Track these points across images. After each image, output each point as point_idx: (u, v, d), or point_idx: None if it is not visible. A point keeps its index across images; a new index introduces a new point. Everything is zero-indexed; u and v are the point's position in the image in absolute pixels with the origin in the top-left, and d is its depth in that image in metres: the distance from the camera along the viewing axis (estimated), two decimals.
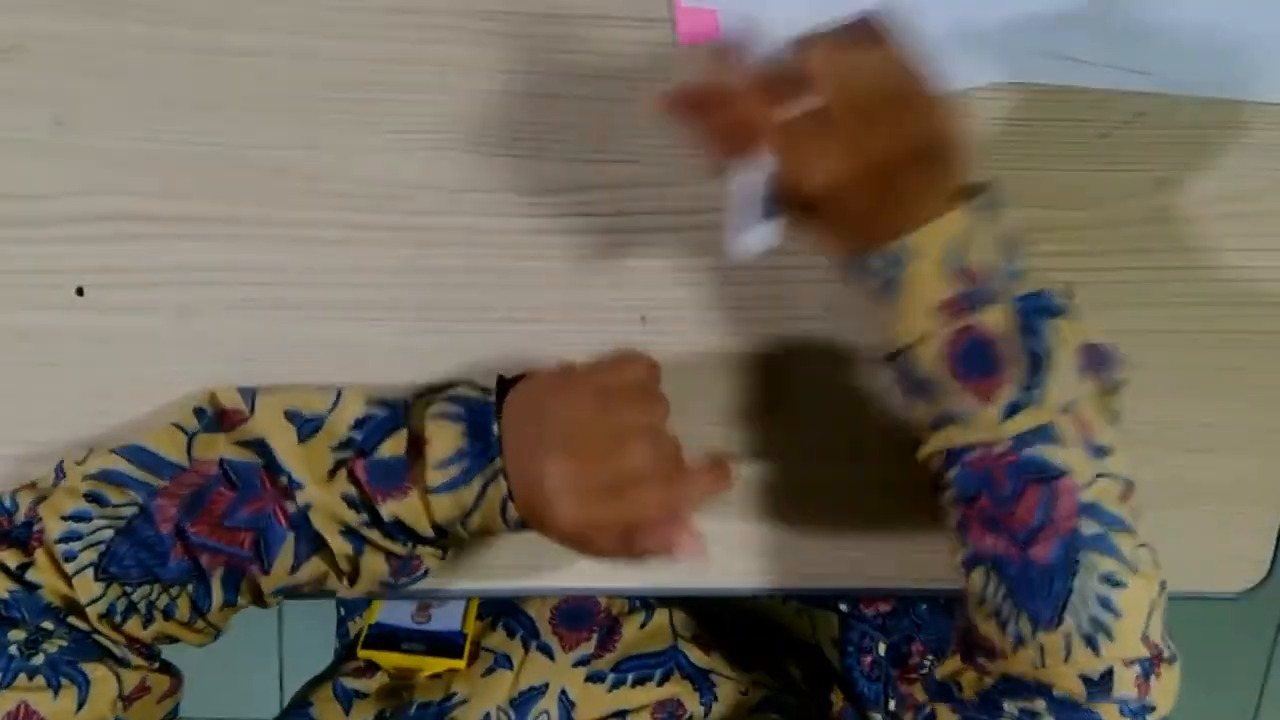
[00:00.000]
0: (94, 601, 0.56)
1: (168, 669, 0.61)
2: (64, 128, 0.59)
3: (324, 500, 0.57)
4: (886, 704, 0.76)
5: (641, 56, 0.60)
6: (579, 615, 0.70)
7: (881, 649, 0.76)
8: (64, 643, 0.56)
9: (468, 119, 0.60)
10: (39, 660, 0.55)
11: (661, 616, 0.72)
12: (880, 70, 0.50)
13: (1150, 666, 0.54)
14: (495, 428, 0.56)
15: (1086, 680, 0.53)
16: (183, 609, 0.58)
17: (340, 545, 0.58)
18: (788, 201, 0.52)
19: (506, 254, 0.63)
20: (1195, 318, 0.67)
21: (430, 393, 0.61)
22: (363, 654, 0.67)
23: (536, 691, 0.68)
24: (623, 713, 0.68)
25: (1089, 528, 0.53)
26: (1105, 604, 0.52)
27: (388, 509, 0.56)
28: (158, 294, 0.62)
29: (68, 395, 0.63)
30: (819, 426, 0.68)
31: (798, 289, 0.65)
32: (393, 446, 0.57)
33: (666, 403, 0.58)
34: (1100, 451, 0.54)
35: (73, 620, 0.57)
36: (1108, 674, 0.53)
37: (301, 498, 0.57)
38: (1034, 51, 0.61)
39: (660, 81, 0.60)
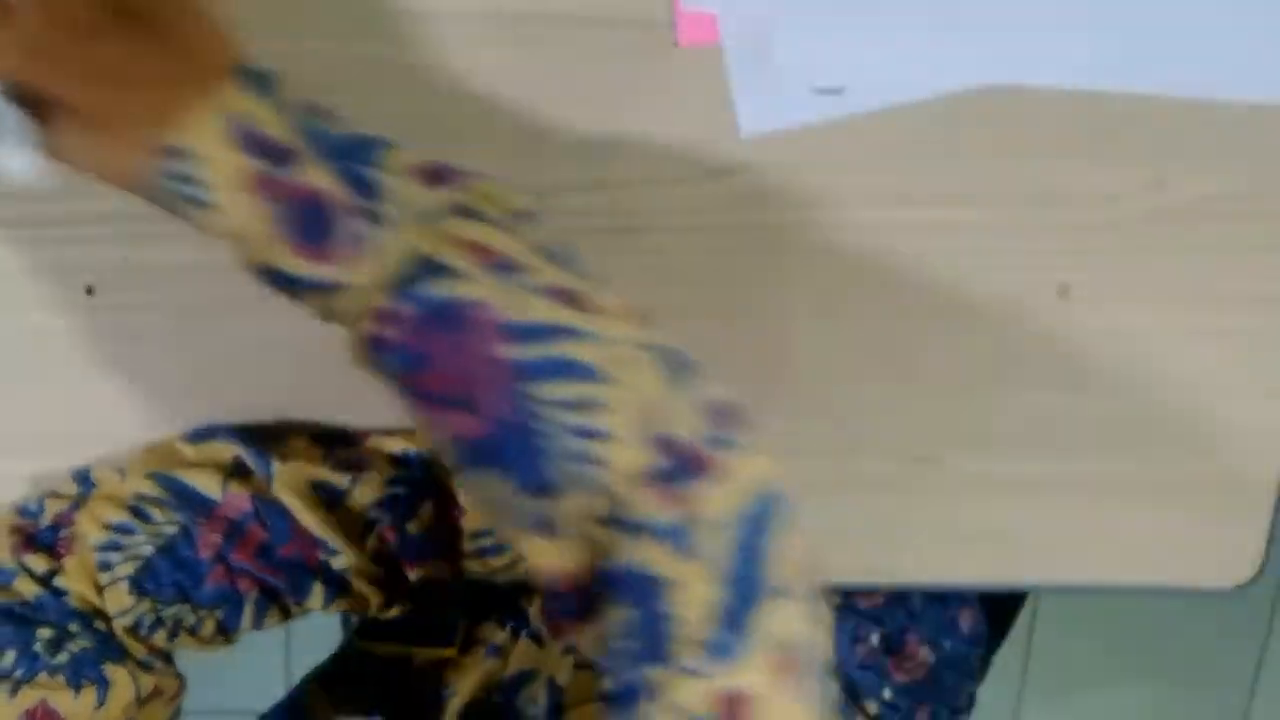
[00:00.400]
0: (123, 614, 0.57)
1: (175, 673, 0.62)
2: None
3: (357, 562, 0.59)
4: (881, 693, 0.76)
5: (641, 59, 0.60)
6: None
7: (875, 639, 0.76)
8: (88, 644, 0.57)
9: (467, 119, 0.60)
10: (63, 659, 0.56)
11: None
12: None
13: (681, 470, 0.43)
14: None
15: (611, 523, 0.44)
16: (208, 628, 0.60)
17: (374, 595, 0.60)
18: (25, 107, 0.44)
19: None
20: (1189, 317, 0.67)
21: None
22: (360, 644, 0.68)
23: (525, 678, 0.68)
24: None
25: (520, 353, 0.44)
26: (582, 432, 0.43)
27: (415, 574, 0.59)
28: (168, 292, 0.62)
29: (78, 393, 0.63)
30: (818, 426, 0.69)
31: (798, 290, 0.66)
32: (421, 522, 0.59)
33: None
34: (512, 269, 0.45)
35: (97, 625, 0.57)
36: (624, 507, 0.43)
37: (337, 563, 0.59)
38: (1030, 52, 0.61)
39: (660, 85, 0.60)
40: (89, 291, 0.62)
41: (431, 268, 0.44)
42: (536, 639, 0.69)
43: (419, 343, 0.44)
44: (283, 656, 1.41)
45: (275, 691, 0.65)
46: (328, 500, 0.60)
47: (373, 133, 0.48)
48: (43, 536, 0.59)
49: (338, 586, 0.61)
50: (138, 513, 0.58)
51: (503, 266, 0.45)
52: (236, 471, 0.61)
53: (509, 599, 0.71)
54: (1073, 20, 0.60)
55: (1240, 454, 0.71)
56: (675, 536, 0.42)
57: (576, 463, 0.43)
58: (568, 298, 0.45)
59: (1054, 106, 0.62)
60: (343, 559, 0.59)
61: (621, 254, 0.64)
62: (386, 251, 0.45)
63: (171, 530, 0.59)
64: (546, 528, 0.44)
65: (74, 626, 0.57)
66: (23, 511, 0.60)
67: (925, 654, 0.73)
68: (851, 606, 0.79)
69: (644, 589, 0.42)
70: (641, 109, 0.61)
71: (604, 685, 0.45)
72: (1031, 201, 0.64)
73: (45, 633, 0.56)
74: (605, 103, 0.61)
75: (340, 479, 0.60)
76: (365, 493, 0.60)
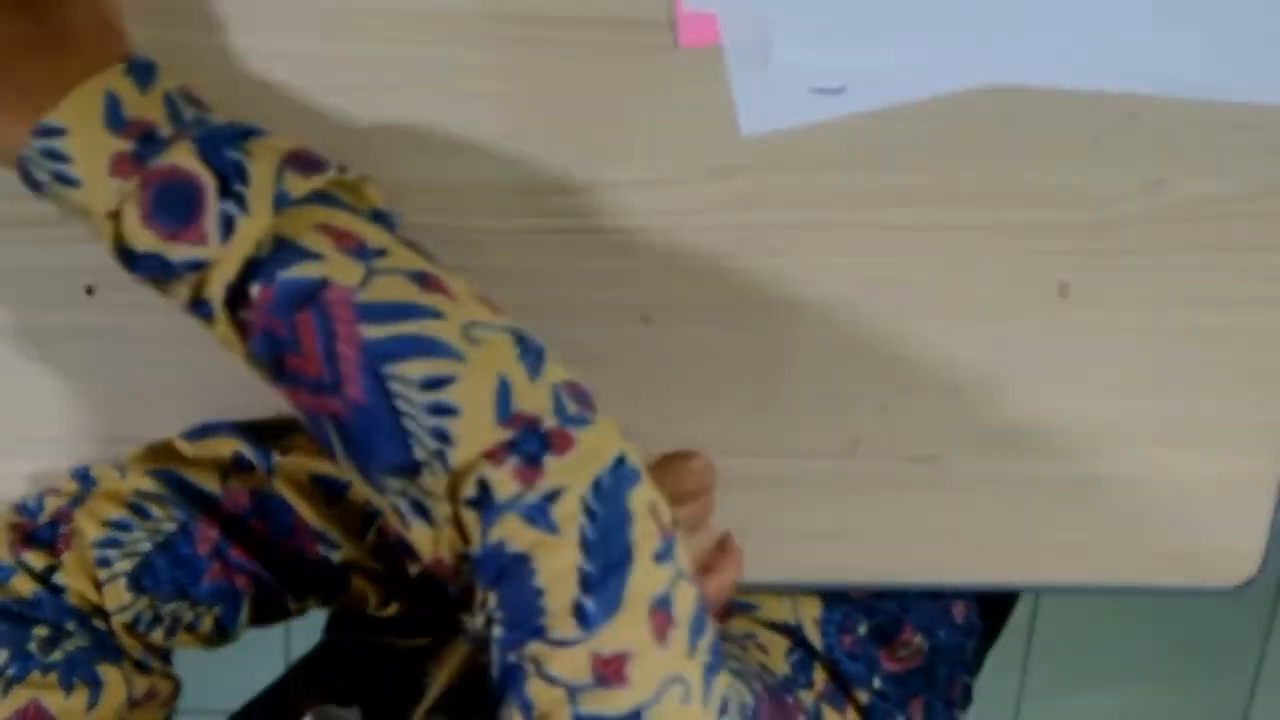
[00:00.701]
0: (121, 610, 0.57)
1: (170, 676, 0.62)
2: None
3: (357, 556, 0.59)
4: (871, 682, 0.76)
5: (641, 60, 0.60)
6: None
7: (863, 629, 0.76)
8: (83, 643, 0.57)
9: (467, 120, 0.60)
10: (57, 657, 0.56)
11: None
12: None
13: (534, 444, 0.44)
14: None
15: (470, 504, 0.44)
16: (206, 624, 0.60)
17: (374, 590, 0.60)
18: None
19: (506, 254, 0.63)
20: (1189, 316, 0.68)
21: None
22: (338, 633, 0.68)
23: None
24: None
25: (377, 332, 0.45)
26: (437, 409, 0.44)
27: (416, 568, 0.59)
28: None
29: (77, 393, 0.63)
30: (817, 425, 0.69)
31: (799, 290, 0.66)
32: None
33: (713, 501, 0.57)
34: (369, 253, 0.47)
35: (95, 623, 0.57)
36: (480, 484, 0.44)
37: (336, 557, 0.59)
38: (1027, 53, 0.61)
39: (661, 85, 0.60)
40: (89, 291, 0.62)
41: (289, 249, 0.46)
42: None
43: (279, 325, 0.45)
44: (282, 656, 1.41)
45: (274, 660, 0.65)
46: (328, 493, 0.60)
47: (246, 121, 0.49)
48: (41, 533, 0.59)
49: (337, 582, 0.61)
50: (137, 509, 0.59)
51: (359, 250, 0.46)
52: (236, 467, 0.61)
53: None
54: (1072, 20, 0.60)
55: (1240, 454, 0.71)
56: (532, 510, 0.43)
57: (434, 439, 0.44)
58: (422, 280, 0.47)
59: (1054, 106, 0.62)
60: (342, 552, 0.59)
61: (621, 254, 0.64)
62: (246, 234, 0.46)
63: (170, 527, 0.59)
64: (421, 512, 0.45)
65: (70, 625, 0.57)
66: (21, 509, 0.60)
67: (920, 641, 0.72)
68: (841, 596, 0.79)
69: (508, 566, 0.43)
70: (642, 109, 0.61)
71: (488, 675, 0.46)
72: (1031, 202, 0.64)
73: (40, 631, 0.56)
74: (605, 103, 0.61)
75: (345, 470, 0.60)
76: (365, 489, 0.60)
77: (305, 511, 0.59)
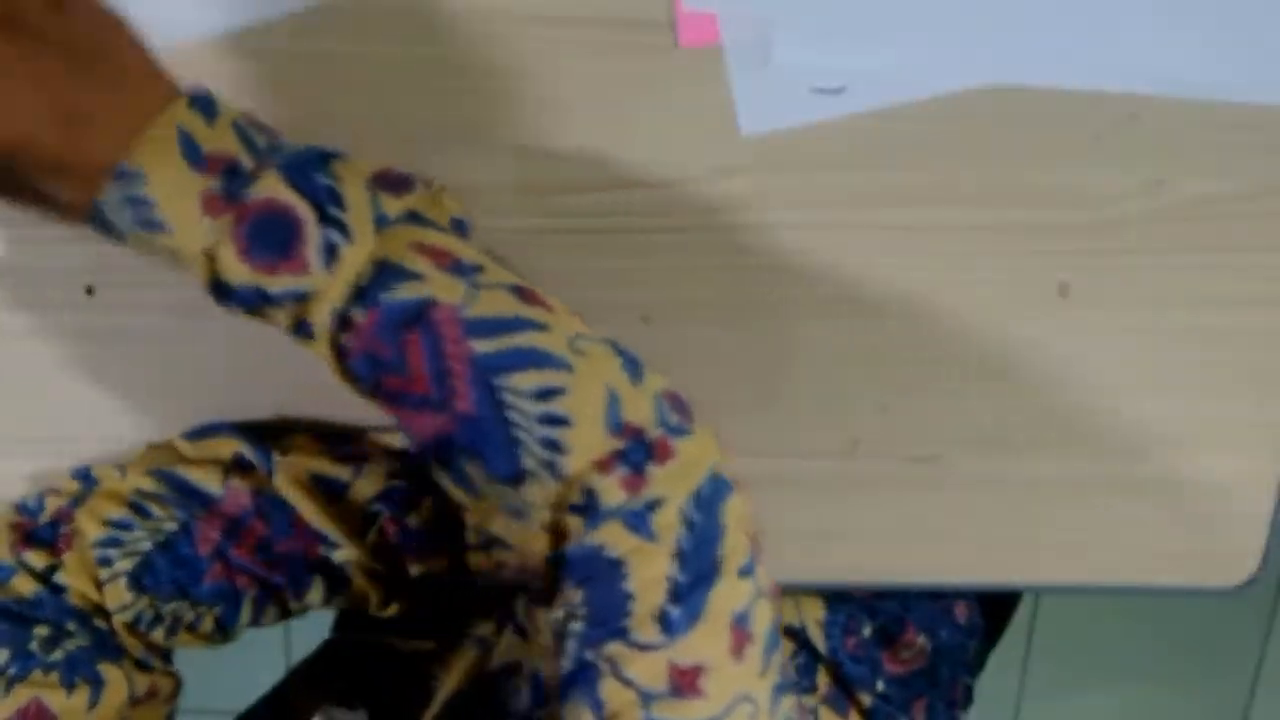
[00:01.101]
0: (122, 609, 0.57)
1: (171, 673, 0.62)
2: None
3: (358, 556, 0.59)
4: (875, 685, 0.76)
5: (642, 60, 0.60)
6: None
7: (867, 631, 0.76)
8: (84, 643, 0.57)
9: (467, 120, 0.60)
10: (58, 656, 0.56)
11: None
12: None
13: (639, 454, 0.45)
14: None
15: (575, 510, 0.45)
16: (206, 624, 0.60)
17: (375, 590, 0.60)
18: None
19: (506, 254, 0.63)
20: (1190, 317, 0.68)
21: None
22: (343, 635, 0.68)
23: (510, 670, 0.68)
24: None
25: (487, 346, 0.45)
26: (550, 419, 0.45)
27: (416, 569, 0.59)
28: (167, 293, 0.62)
29: (78, 394, 0.63)
30: (817, 425, 0.69)
31: (799, 290, 0.66)
32: (421, 515, 0.59)
33: None
34: (467, 269, 0.47)
35: (96, 622, 0.57)
36: (587, 492, 0.45)
37: (337, 557, 0.59)
38: (1027, 53, 0.61)
39: (660, 84, 0.60)
40: (88, 291, 0.62)
41: (391, 272, 0.45)
42: (521, 631, 0.68)
43: (383, 347, 0.45)
44: (282, 656, 1.41)
45: (275, 662, 0.66)
46: (328, 493, 0.60)
47: (321, 145, 0.48)
48: (42, 533, 0.59)
49: (337, 582, 0.61)
50: (137, 509, 0.59)
51: (458, 267, 0.46)
52: (237, 467, 0.61)
53: (497, 594, 0.71)
54: (1072, 20, 0.60)
55: (1240, 453, 0.71)
56: (634, 518, 0.44)
57: (544, 449, 0.44)
58: (521, 293, 0.47)
59: (1054, 107, 0.62)
60: (343, 552, 0.59)
61: (622, 254, 0.64)
62: (350, 259, 0.46)
63: (171, 527, 0.59)
64: (517, 514, 0.46)
65: (71, 625, 0.57)
66: (22, 509, 0.60)
67: (923, 642, 0.72)
68: (844, 597, 0.79)
69: (602, 569, 0.44)
70: (642, 109, 0.61)
71: (552, 667, 0.47)
72: (1031, 202, 0.64)
73: (41, 631, 0.56)
74: (606, 103, 0.61)
75: (342, 471, 0.60)
76: (366, 485, 0.60)
77: (306, 511, 0.59)
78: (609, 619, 0.44)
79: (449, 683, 0.67)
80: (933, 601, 0.70)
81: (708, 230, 0.64)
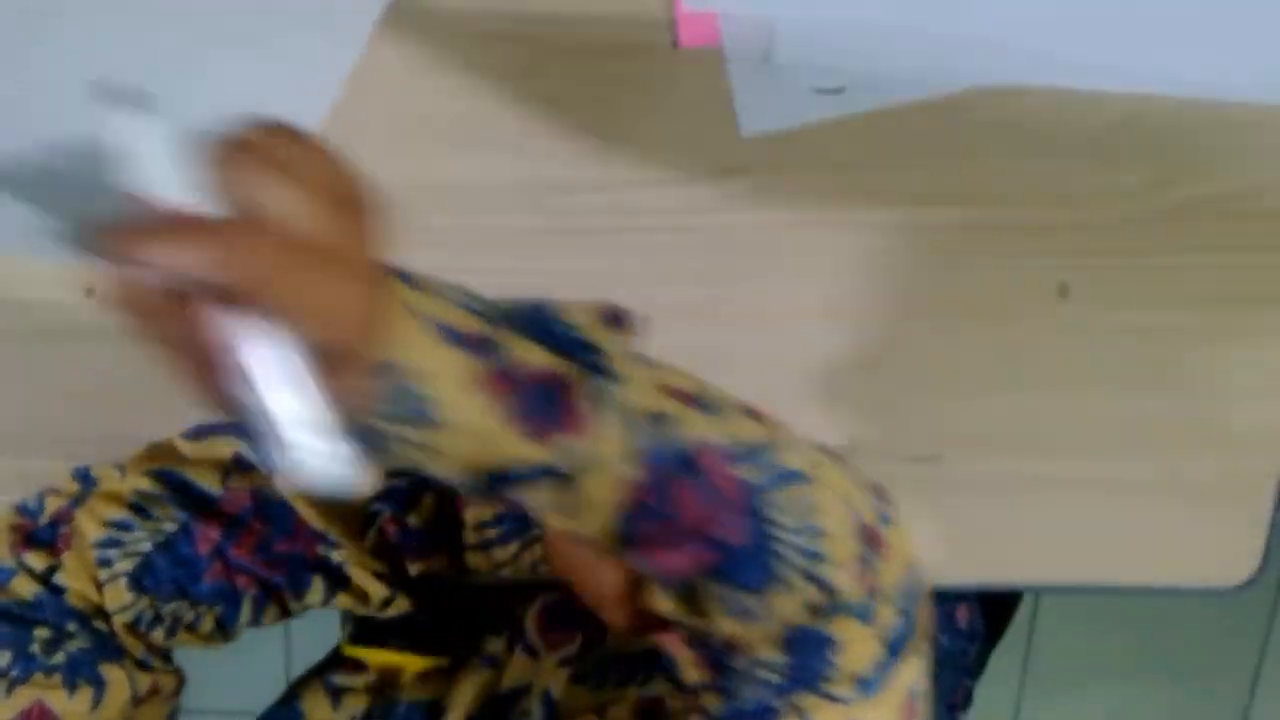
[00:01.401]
0: (122, 610, 0.57)
1: (172, 671, 0.63)
2: None
3: (357, 555, 0.59)
4: None
5: (642, 60, 0.60)
6: (565, 614, 0.70)
7: None
8: (85, 644, 0.57)
9: (467, 119, 0.60)
10: (59, 659, 0.56)
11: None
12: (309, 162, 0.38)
13: (867, 551, 0.46)
14: None
15: (814, 609, 0.46)
16: (206, 624, 0.60)
17: (375, 589, 0.60)
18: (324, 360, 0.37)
19: (506, 254, 0.63)
20: (1193, 316, 0.68)
21: None
22: (348, 650, 0.68)
23: (520, 692, 0.68)
24: (603, 709, 0.69)
25: (754, 474, 0.44)
26: (808, 532, 0.45)
27: (416, 568, 0.59)
28: None
29: (80, 394, 0.64)
30: (815, 425, 0.68)
31: (799, 289, 0.66)
32: (421, 514, 0.59)
33: None
34: (705, 403, 0.46)
35: (96, 624, 0.57)
36: (831, 592, 0.45)
37: (337, 556, 0.59)
38: (1028, 53, 0.61)
39: (660, 84, 0.60)
40: (89, 293, 0.62)
41: (657, 420, 0.43)
42: (531, 651, 0.68)
43: (658, 496, 0.43)
44: (283, 657, 1.41)
45: (275, 691, 0.65)
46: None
47: (529, 297, 0.46)
48: (42, 534, 0.59)
49: (337, 581, 0.61)
50: (137, 509, 0.59)
51: (698, 401, 0.45)
52: (237, 466, 0.61)
53: (505, 607, 0.71)
54: (1073, 20, 0.60)
55: (1240, 453, 0.71)
56: (863, 610, 0.46)
57: (805, 560, 0.45)
58: (751, 413, 0.47)
59: (1054, 106, 0.62)
60: (343, 552, 0.59)
61: (622, 254, 0.64)
62: (617, 413, 0.43)
63: (171, 527, 0.59)
64: (749, 615, 0.46)
65: (71, 626, 0.57)
66: (22, 509, 0.60)
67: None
68: None
69: (819, 646, 0.46)
70: (642, 109, 0.61)
71: (713, 700, 0.47)
72: (1032, 201, 0.64)
73: (42, 633, 0.56)
74: (606, 102, 0.61)
75: None
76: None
77: (306, 511, 0.59)
78: (809, 679, 0.46)
79: (459, 703, 0.66)
80: (934, 605, 0.70)
81: (707, 230, 0.64)
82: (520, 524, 0.59)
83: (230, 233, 0.34)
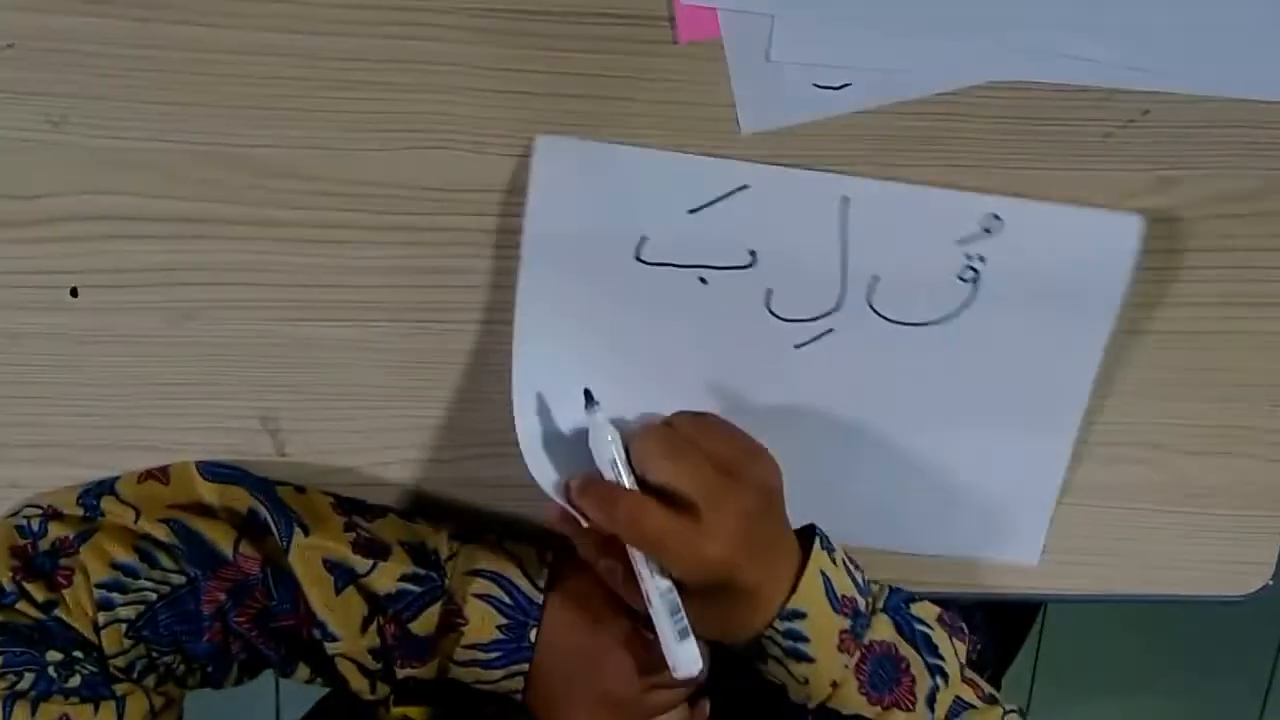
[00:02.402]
0: (117, 655, 0.57)
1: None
2: (58, 127, 0.58)
3: (352, 650, 0.59)
4: None
5: (641, 55, 0.59)
6: None
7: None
8: (94, 669, 0.57)
9: (466, 119, 0.59)
10: (75, 682, 0.56)
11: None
12: (724, 437, 0.58)
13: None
14: (533, 634, 0.60)
15: None
16: (195, 678, 0.60)
17: (359, 683, 0.60)
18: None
19: (506, 254, 0.62)
20: (1201, 318, 0.67)
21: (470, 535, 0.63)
22: (396, 711, 0.65)
23: None
24: None
25: None
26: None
27: (404, 673, 0.59)
28: (153, 294, 0.61)
29: (63, 397, 0.63)
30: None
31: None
32: (425, 624, 0.59)
33: None
34: (996, 699, 0.62)
35: (97, 655, 0.58)
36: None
37: (333, 649, 0.59)
38: (1035, 49, 0.60)
39: (659, 80, 0.59)
40: (73, 293, 0.61)
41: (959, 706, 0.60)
42: None
43: None
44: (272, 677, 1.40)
45: (265, 712, 0.65)
46: (337, 581, 0.59)
47: (900, 586, 0.61)
48: (41, 562, 0.58)
49: (326, 668, 0.61)
50: (145, 556, 0.58)
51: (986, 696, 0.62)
52: (252, 527, 0.60)
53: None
54: (1082, 16, 0.59)
55: (1251, 460, 0.70)
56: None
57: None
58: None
59: (1063, 103, 0.61)
60: (338, 645, 0.59)
61: None
62: (943, 702, 0.59)
63: (178, 580, 0.58)
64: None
65: (78, 653, 0.57)
66: (22, 530, 0.59)
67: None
68: None
69: None
70: (641, 105, 0.60)
71: None
72: (1040, 200, 0.63)
73: (54, 655, 0.56)
74: (605, 99, 0.60)
75: (361, 563, 0.59)
76: (380, 580, 0.59)
77: (313, 596, 0.58)
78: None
79: None
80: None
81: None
82: (512, 654, 0.60)
83: (628, 504, 0.55)
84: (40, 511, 0.60)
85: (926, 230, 0.62)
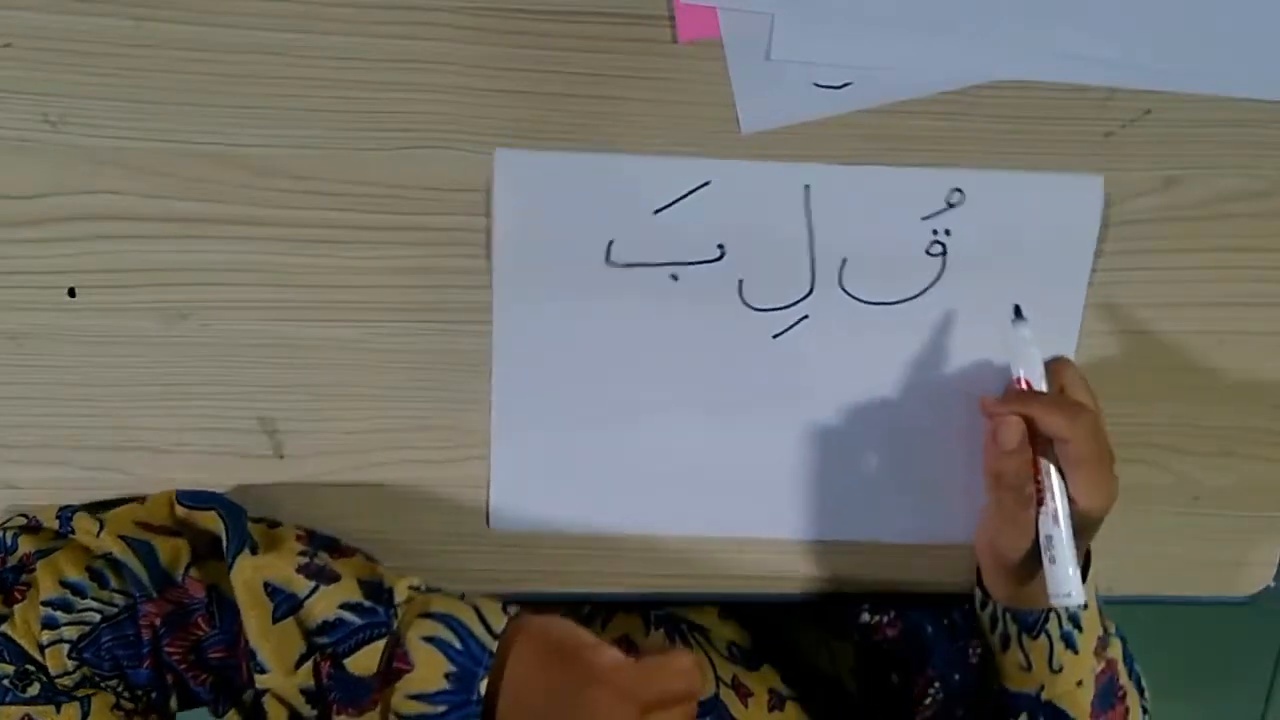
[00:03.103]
0: (62, 675, 0.55)
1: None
2: (55, 126, 0.58)
3: (284, 689, 0.55)
4: None
5: (641, 54, 0.59)
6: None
7: (895, 678, 0.75)
8: (47, 681, 0.56)
9: (464, 119, 0.59)
10: (34, 691, 0.55)
11: (702, 658, 0.70)
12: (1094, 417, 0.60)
13: None
14: (483, 686, 0.53)
15: None
16: (141, 703, 0.58)
17: None
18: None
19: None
20: (1204, 319, 0.66)
21: (436, 588, 0.59)
22: None
23: None
24: None
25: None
26: None
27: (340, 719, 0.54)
28: (151, 294, 0.61)
29: (59, 397, 0.62)
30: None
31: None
32: (364, 663, 0.54)
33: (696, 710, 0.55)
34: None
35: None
36: None
37: (262, 682, 0.55)
38: (1036, 49, 0.60)
39: (659, 80, 0.59)
40: (70, 294, 0.61)
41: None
42: None
43: None
44: None
45: None
46: (275, 609, 0.55)
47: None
48: (5, 576, 0.57)
49: (256, 708, 0.56)
50: (95, 575, 0.56)
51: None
52: (206, 553, 0.58)
53: None
54: (1084, 14, 0.59)
55: (1253, 461, 0.70)
56: None
57: None
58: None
59: (1065, 102, 0.61)
60: (268, 678, 0.55)
61: None
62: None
63: (122, 601, 0.56)
64: None
65: (30, 667, 0.56)
66: None
67: (938, 688, 0.71)
68: (870, 643, 0.78)
69: None
70: (641, 104, 0.60)
71: None
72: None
73: (6, 668, 0.55)
74: (604, 98, 0.59)
75: (300, 586, 0.56)
76: (319, 606, 0.55)
77: (249, 620, 0.55)
78: None
79: None
80: (948, 644, 0.70)
81: None
82: (459, 707, 0.53)
83: (1093, 415, 0.59)
84: (23, 522, 0.59)
85: (890, 209, 0.62)
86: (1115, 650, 0.65)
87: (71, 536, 0.58)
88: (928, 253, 0.63)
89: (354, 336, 0.63)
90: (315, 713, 0.55)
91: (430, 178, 0.60)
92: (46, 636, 0.55)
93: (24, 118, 0.58)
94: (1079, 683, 0.62)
